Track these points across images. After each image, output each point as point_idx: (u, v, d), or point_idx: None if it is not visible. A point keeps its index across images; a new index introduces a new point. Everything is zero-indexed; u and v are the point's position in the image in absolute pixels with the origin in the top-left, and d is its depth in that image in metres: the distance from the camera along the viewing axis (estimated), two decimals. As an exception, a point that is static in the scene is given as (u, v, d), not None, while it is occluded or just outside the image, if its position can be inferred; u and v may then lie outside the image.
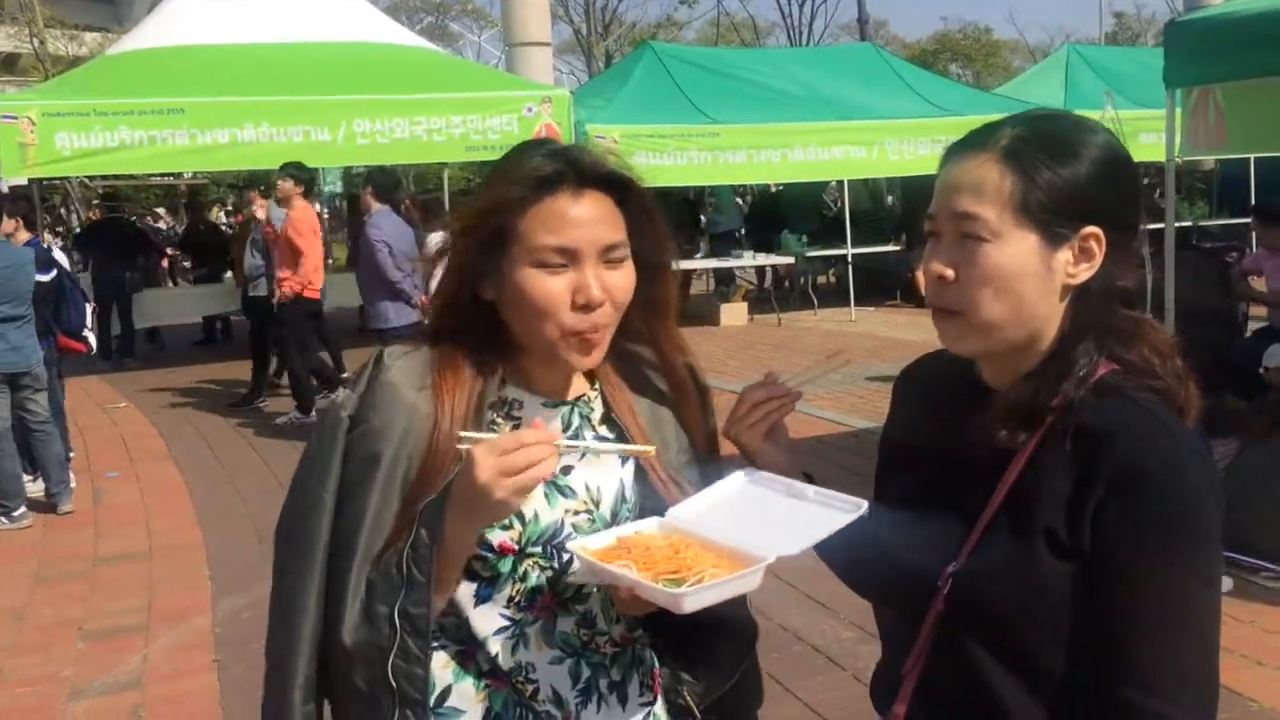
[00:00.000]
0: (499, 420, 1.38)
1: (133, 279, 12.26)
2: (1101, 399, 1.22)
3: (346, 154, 11.06)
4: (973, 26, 42.10)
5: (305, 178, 8.28)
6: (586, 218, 1.30)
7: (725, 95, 13.36)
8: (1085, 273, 1.21)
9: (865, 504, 1.26)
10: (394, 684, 1.25)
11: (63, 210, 25.77)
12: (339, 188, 18.73)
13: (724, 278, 15.27)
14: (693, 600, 1.17)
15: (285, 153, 10.10)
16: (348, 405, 1.36)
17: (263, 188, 9.42)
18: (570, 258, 1.30)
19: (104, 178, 20.77)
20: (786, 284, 15.62)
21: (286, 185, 8.04)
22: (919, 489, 1.33)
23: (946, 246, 1.23)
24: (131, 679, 4.23)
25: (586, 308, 1.30)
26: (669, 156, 12.25)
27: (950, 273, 1.22)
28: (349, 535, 1.31)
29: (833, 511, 1.27)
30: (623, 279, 1.33)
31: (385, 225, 7.63)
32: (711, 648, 1.45)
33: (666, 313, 1.46)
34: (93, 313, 7.80)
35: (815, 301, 14.16)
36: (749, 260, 14.23)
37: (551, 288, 1.30)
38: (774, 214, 16.01)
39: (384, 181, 8.18)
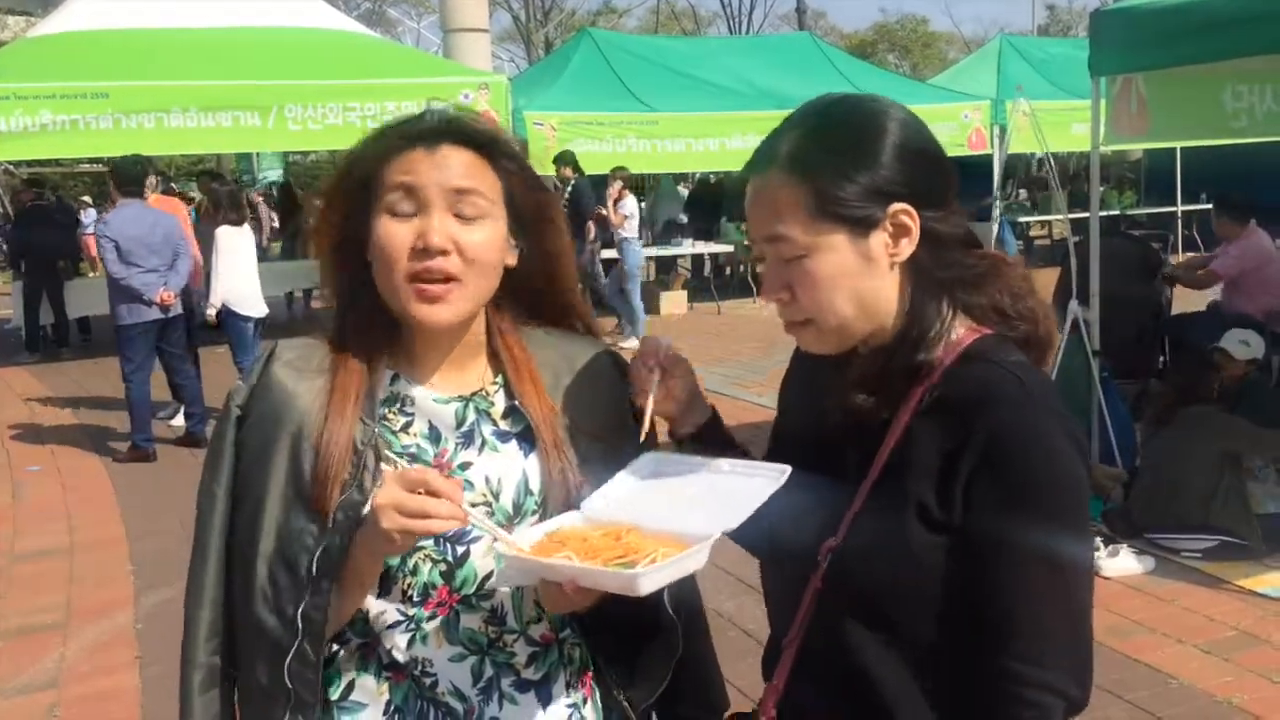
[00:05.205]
0: (391, 415, 1.35)
1: (65, 267, 11.91)
2: (968, 366, 1.22)
3: (277, 140, 10.85)
4: (910, 18, 42.61)
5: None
6: (437, 164, 1.28)
7: (663, 83, 13.36)
8: (908, 247, 1.21)
9: (787, 469, 1.23)
10: (289, 685, 1.25)
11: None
12: (278, 175, 18.42)
13: (666, 266, 15.27)
14: (649, 580, 1.13)
15: (213, 138, 9.86)
16: (238, 396, 1.35)
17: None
18: (417, 202, 1.27)
19: (28, 163, 20.18)
20: (727, 272, 15.66)
21: None
22: (803, 463, 1.30)
23: (773, 271, 1.23)
24: (48, 679, 4.11)
25: (425, 253, 1.25)
26: (607, 144, 12.23)
27: (785, 295, 1.23)
28: (250, 528, 1.30)
29: (755, 480, 1.24)
30: (476, 235, 1.28)
31: (114, 220, 7.17)
32: (636, 651, 1.41)
33: (558, 285, 1.42)
34: None
35: (755, 290, 14.22)
36: (689, 249, 14.25)
37: (396, 231, 1.27)
38: (714, 202, 16.05)
39: (127, 173, 7.39)
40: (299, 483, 1.28)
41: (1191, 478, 4.80)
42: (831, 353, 1.26)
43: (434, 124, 1.31)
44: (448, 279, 1.27)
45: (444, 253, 1.26)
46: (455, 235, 1.27)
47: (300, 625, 1.24)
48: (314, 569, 1.24)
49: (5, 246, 11.65)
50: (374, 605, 1.32)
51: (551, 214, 1.40)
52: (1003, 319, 1.26)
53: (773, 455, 1.40)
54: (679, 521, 1.22)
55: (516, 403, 1.37)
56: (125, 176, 7.37)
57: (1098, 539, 4.75)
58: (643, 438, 1.35)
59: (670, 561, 1.15)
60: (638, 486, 1.31)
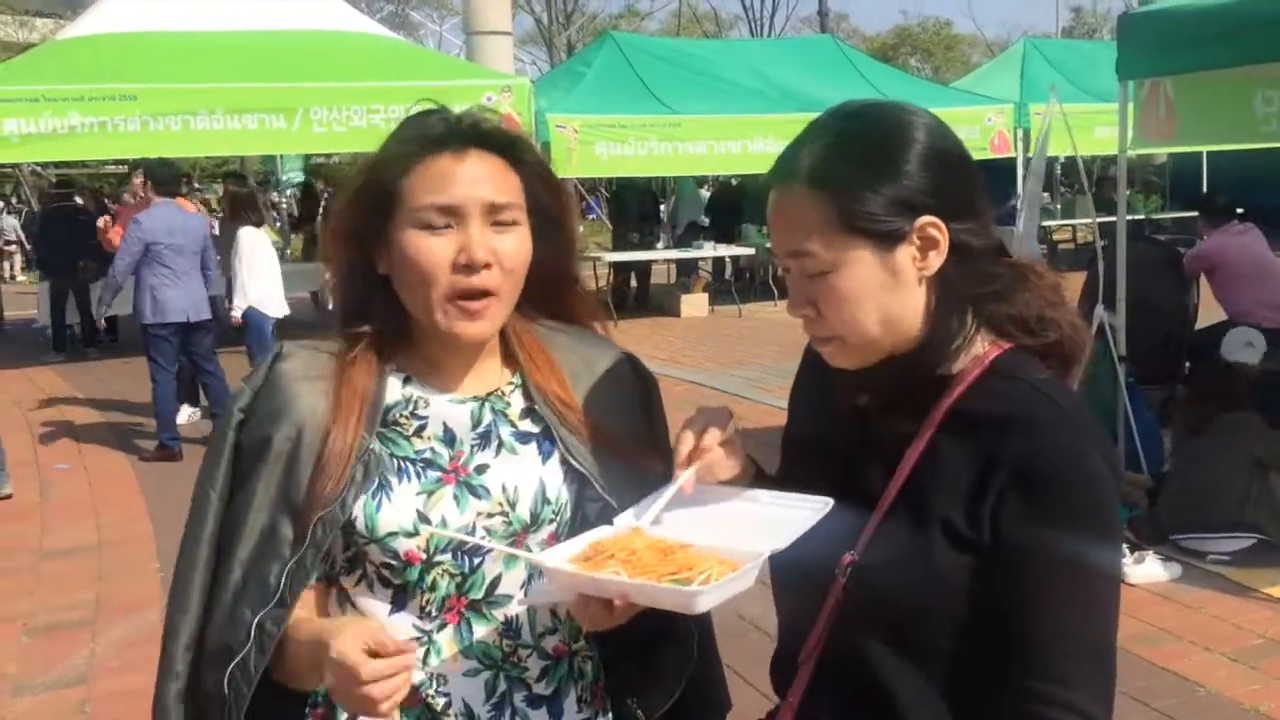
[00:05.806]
0: (403, 419, 1.33)
1: (87, 267, 11.99)
2: (998, 382, 1.19)
3: (302, 142, 10.92)
4: (932, 20, 42.45)
5: None
6: (470, 176, 1.26)
7: (686, 86, 13.35)
8: (936, 260, 1.18)
9: (830, 502, 1.20)
10: (226, 692, 1.22)
11: (14, 198, 25.27)
12: (299, 176, 18.54)
13: (687, 269, 15.27)
14: (706, 599, 1.11)
15: (239, 140, 9.92)
16: (241, 399, 1.33)
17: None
18: (454, 217, 1.25)
19: (56, 165, 20.38)
20: (748, 275, 15.65)
21: None
22: (816, 473, 1.29)
23: (798, 286, 1.21)
24: (78, 675, 4.15)
25: (469, 268, 1.24)
26: (629, 147, 12.25)
27: (810, 311, 1.20)
28: (233, 528, 1.29)
29: (796, 511, 1.21)
30: (513, 244, 1.28)
31: (146, 221, 7.26)
32: (654, 659, 1.39)
33: (571, 286, 1.42)
34: None
35: (776, 293, 14.19)
36: (710, 251, 14.24)
37: (433, 247, 1.24)
38: (735, 205, 16.05)
39: (162, 174, 7.54)
40: (290, 489, 1.27)
41: (1224, 482, 4.77)
42: (857, 367, 1.24)
43: (456, 128, 1.29)
44: (487, 294, 1.25)
45: (486, 266, 1.24)
46: (494, 246, 1.26)
47: (253, 634, 1.22)
48: (283, 580, 1.23)
49: (30, 246, 11.73)
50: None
51: (565, 211, 1.38)
52: (1027, 331, 1.23)
53: (784, 464, 1.38)
54: (724, 541, 1.19)
55: (535, 403, 1.36)
56: (161, 177, 7.47)
57: (1124, 546, 4.73)
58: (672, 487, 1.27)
59: (726, 580, 1.12)
60: (674, 506, 1.27)
